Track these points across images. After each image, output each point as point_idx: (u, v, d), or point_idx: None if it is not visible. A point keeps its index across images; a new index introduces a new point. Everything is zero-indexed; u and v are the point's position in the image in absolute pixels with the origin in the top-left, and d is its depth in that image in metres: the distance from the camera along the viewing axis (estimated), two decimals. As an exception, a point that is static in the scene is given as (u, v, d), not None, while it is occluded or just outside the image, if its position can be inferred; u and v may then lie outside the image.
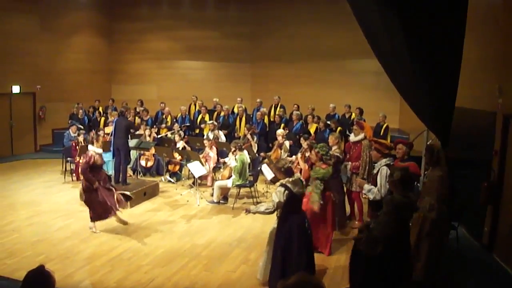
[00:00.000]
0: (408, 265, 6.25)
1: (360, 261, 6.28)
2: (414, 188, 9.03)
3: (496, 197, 9.26)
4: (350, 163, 11.37)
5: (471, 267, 9.03)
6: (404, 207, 6.21)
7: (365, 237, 6.29)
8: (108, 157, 14.79)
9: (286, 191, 7.58)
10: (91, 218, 10.60)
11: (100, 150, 10.86)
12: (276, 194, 7.69)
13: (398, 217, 6.11)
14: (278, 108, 19.08)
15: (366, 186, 8.93)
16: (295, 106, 18.78)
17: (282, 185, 7.70)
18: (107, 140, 14.92)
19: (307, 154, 12.49)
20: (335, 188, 10.28)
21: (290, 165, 8.07)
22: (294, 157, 14.01)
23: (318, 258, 8.51)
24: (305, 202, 8.90)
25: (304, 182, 8.36)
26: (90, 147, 10.81)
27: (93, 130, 17.03)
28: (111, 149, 13.69)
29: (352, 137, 11.92)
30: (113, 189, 10.86)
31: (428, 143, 11.03)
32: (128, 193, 11.18)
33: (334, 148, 11.13)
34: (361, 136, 11.42)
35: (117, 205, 10.70)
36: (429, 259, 7.45)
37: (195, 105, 20.42)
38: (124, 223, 10.98)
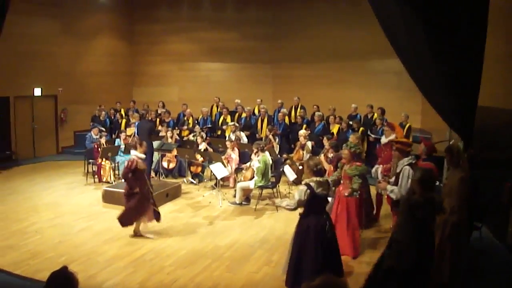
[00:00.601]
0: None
1: (391, 277, 6.22)
2: (436, 188, 8.93)
3: (520, 197, 9.13)
4: (381, 166, 11.23)
5: (495, 268, 8.90)
6: (418, 207, 6.12)
7: (393, 251, 6.26)
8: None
9: (308, 191, 7.53)
10: (122, 223, 10.38)
11: (143, 156, 10.75)
12: (298, 192, 7.64)
13: (413, 216, 6.02)
14: (298, 109, 19.00)
15: (389, 187, 8.84)
16: (315, 107, 18.71)
17: (306, 184, 7.64)
18: (129, 142, 14.95)
19: (329, 155, 12.43)
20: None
21: (321, 166, 7.94)
22: (316, 158, 13.93)
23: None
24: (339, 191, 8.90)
25: (331, 184, 8.31)
26: (132, 152, 10.71)
27: (136, 136, 17.10)
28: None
29: (383, 139, 11.86)
30: (152, 200, 10.70)
31: (450, 143, 10.92)
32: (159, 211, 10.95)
33: None
34: (392, 137, 11.34)
35: (147, 216, 10.57)
36: (451, 262, 7.37)
37: (217, 106, 20.40)
38: (138, 234, 10.72)
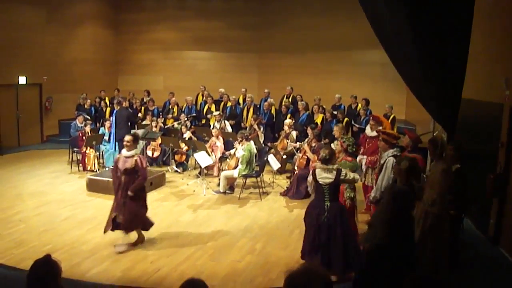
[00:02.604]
0: (411, 259, 6.19)
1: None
2: (421, 180, 8.99)
3: (502, 189, 9.20)
4: (365, 157, 11.24)
5: (477, 260, 9.00)
6: (402, 196, 6.18)
7: (366, 232, 6.33)
8: (110, 148, 14.86)
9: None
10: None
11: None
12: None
13: (395, 205, 6.07)
14: (290, 99, 19.02)
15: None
16: (299, 96, 18.74)
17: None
18: (110, 131, 14.98)
19: (313, 144, 12.51)
20: None
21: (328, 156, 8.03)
22: (298, 144, 14.00)
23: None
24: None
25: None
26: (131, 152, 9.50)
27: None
28: (112, 140, 13.65)
29: (369, 131, 11.82)
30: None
31: (434, 134, 11.00)
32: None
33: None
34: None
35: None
36: (434, 253, 7.43)
37: (202, 95, 20.39)
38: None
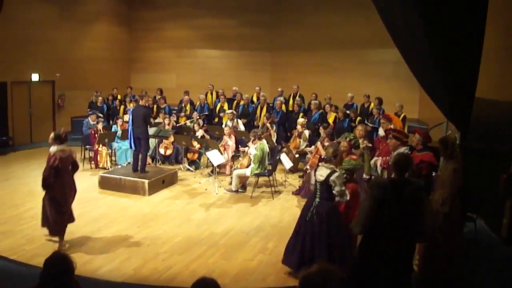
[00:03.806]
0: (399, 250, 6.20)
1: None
2: (432, 178, 8.92)
3: (516, 189, 9.12)
4: (380, 158, 11.10)
5: (489, 260, 8.92)
6: (377, 186, 6.24)
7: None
8: (126, 145, 14.85)
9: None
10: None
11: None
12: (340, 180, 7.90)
13: (372, 195, 6.10)
14: (297, 97, 18.96)
15: None
16: (313, 95, 18.69)
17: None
18: (125, 128, 14.97)
19: (325, 143, 12.44)
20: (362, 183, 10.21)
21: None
22: (313, 147, 13.94)
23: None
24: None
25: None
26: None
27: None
28: (130, 138, 13.65)
29: (381, 132, 11.74)
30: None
31: (447, 134, 10.90)
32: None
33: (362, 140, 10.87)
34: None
35: None
36: (445, 253, 7.38)
37: (211, 93, 20.36)
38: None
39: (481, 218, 10.16)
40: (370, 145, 11.18)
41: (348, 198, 7.78)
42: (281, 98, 18.73)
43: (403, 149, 9.04)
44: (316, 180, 7.95)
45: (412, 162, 6.52)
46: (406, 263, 6.20)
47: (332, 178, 7.67)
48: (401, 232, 6.01)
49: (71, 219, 9.46)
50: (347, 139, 9.59)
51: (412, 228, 6.02)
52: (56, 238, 9.19)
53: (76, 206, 11.36)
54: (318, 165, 8.13)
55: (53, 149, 9.12)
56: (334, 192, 7.69)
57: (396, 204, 5.99)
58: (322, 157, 8.78)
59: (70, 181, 9.34)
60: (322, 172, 7.81)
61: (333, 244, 7.70)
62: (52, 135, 9.27)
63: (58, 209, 9.07)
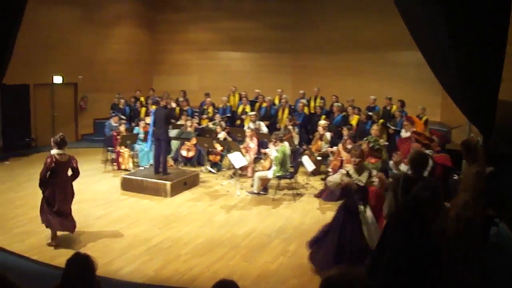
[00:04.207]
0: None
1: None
2: (450, 180, 8.85)
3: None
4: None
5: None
6: (399, 179, 6.49)
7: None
8: (147, 146, 14.90)
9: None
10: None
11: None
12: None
13: (394, 188, 6.16)
14: (317, 100, 18.92)
15: None
16: (334, 97, 18.62)
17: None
18: (148, 130, 15.01)
19: (348, 146, 12.40)
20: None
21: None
22: (335, 148, 13.89)
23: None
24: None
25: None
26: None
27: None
28: (149, 139, 13.70)
29: (403, 133, 11.68)
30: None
31: (470, 136, 10.80)
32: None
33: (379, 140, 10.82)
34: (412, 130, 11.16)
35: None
36: (467, 257, 7.29)
37: (234, 96, 20.37)
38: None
39: (504, 223, 10.04)
40: (387, 143, 11.13)
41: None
42: (304, 101, 18.71)
43: (427, 151, 8.99)
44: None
45: (427, 160, 6.55)
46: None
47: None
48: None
49: (68, 227, 9.59)
50: (367, 141, 9.60)
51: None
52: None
53: (98, 208, 11.53)
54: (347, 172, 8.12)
55: (52, 151, 9.48)
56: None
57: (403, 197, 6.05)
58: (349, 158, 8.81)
59: (64, 185, 9.59)
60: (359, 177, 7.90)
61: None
62: (52, 139, 9.65)
63: (48, 207, 9.36)
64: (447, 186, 8.52)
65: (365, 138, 9.95)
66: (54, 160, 9.34)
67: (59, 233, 9.58)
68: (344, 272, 3.35)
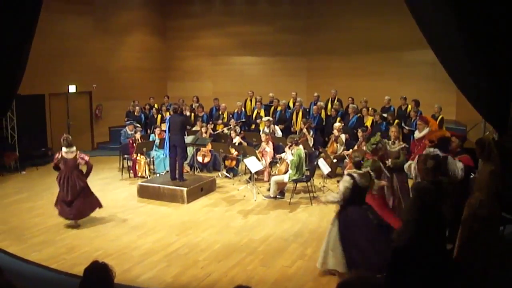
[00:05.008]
0: (441, 255, 6.09)
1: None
2: (470, 182, 8.77)
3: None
4: (414, 162, 10.83)
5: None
6: (427, 192, 6.11)
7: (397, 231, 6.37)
8: (164, 154, 14.93)
9: (352, 180, 7.80)
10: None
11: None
12: (342, 183, 7.84)
13: (421, 202, 5.99)
14: (335, 102, 18.89)
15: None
16: (350, 99, 18.58)
17: (348, 174, 7.94)
18: (163, 137, 15.04)
19: (363, 148, 12.38)
20: (401, 185, 10.13)
21: (359, 159, 8.06)
22: (351, 151, 13.84)
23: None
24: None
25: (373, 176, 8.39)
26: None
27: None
28: (166, 146, 13.73)
29: (417, 134, 11.54)
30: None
31: (485, 135, 10.72)
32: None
33: (396, 142, 10.74)
34: (426, 131, 11.07)
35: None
36: (483, 256, 7.24)
37: (251, 100, 20.37)
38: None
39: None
40: (407, 145, 11.05)
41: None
42: (321, 103, 18.68)
43: (432, 149, 8.95)
44: (360, 187, 7.97)
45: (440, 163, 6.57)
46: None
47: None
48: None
49: (67, 214, 10.93)
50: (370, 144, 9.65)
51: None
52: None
53: (115, 215, 11.57)
54: (352, 174, 8.07)
55: (62, 149, 10.98)
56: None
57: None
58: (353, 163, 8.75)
59: (68, 177, 10.86)
60: (365, 179, 7.91)
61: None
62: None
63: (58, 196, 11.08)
64: (468, 186, 8.44)
65: (372, 140, 9.94)
66: (60, 156, 10.98)
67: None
68: (362, 276, 3.34)
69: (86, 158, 11.19)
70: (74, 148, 11.11)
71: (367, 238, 7.74)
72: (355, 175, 7.86)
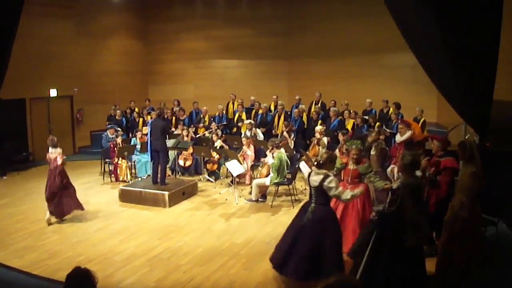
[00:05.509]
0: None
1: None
2: (456, 183, 8.84)
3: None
4: (396, 166, 10.86)
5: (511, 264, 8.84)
6: (417, 187, 6.54)
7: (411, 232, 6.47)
8: (146, 157, 14.91)
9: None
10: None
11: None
12: (334, 183, 7.76)
13: (418, 198, 6.15)
14: (318, 105, 18.93)
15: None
16: (332, 102, 18.65)
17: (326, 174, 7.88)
18: (145, 141, 15.02)
19: (344, 150, 12.44)
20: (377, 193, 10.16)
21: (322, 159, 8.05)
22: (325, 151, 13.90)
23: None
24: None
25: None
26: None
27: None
28: (148, 150, 13.74)
29: (398, 137, 11.58)
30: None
31: (466, 137, 10.81)
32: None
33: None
34: (407, 134, 11.14)
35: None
36: (464, 258, 7.31)
37: (233, 103, 20.38)
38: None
39: (503, 222, 10.06)
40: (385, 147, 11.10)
41: (346, 197, 7.81)
42: (302, 106, 18.73)
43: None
44: (310, 186, 7.99)
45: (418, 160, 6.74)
46: None
47: (325, 183, 7.68)
48: None
49: (51, 211, 11.51)
50: (354, 146, 9.71)
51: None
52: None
53: (97, 220, 11.59)
54: (311, 170, 8.16)
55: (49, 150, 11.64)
56: (331, 195, 7.74)
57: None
58: (315, 162, 8.73)
59: (51, 176, 11.51)
60: (315, 178, 7.82)
61: (323, 249, 7.66)
62: None
63: None
64: (453, 188, 8.51)
65: (350, 143, 9.98)
66: (47, 156, 11.61)
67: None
68: (342, 280, 3.38)
69: (58, 163, 11.51)
70: (59, 149, 11.55)
71: (334, 241, 7.77)
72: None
